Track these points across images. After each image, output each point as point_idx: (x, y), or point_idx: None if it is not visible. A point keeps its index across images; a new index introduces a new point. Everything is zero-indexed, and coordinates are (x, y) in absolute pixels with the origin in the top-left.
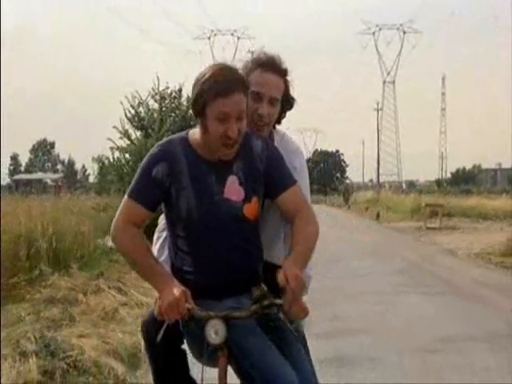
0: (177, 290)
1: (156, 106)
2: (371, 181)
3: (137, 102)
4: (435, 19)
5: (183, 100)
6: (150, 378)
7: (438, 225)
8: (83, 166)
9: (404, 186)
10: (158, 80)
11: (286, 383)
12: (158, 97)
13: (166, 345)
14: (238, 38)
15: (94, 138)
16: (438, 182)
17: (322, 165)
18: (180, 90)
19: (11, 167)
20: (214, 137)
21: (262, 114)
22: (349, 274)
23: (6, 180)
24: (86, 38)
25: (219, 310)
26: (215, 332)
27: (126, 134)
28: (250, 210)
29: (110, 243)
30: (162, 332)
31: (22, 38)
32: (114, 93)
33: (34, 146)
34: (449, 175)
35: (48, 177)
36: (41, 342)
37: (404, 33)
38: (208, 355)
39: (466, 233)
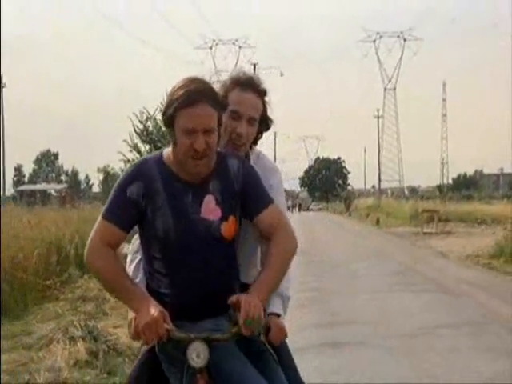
0: (155, 310)
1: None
2: (373, 187)
3: (145, 117)
4: (436, 26)
5: None
6: None
7: (435, 230)
8: (86, 176)
9: (406, 192)
10: (166, 95)
11: None
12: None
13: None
14: (240, 48)
15: (96, 148)
16: (440, 188)
17: (323, 172)
18: None
19: (15, 178)
20: (181, 150)
21: (240, 133)
22: (348, 275)
23: (10, 191)
24: (88, 49)
25: (198, 332)
26: (197, 355)
27: (135, 148)
28: (227, 229)
29: (125, 250)
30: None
31: (20, 48)
32: (115, 103)
33: (37, 156)
34: (450, 181)
35: (52, 187)
36: (85, 330)
37: (404, 40)
38: (188, 378)
39: (460, 237)
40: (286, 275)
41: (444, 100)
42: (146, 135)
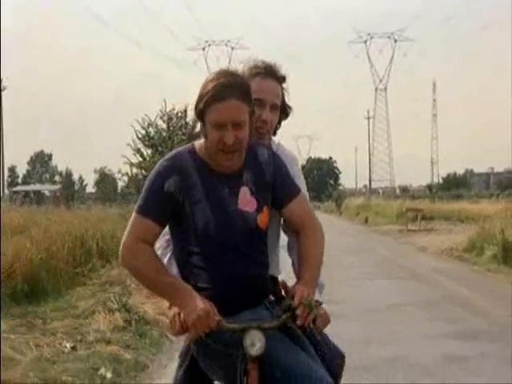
0: (203, 303)
1: (164, 125)
2: (365, 186)
3: (146, 123)
4: (426, 27)
5: (189, 119)
6: None
7: (418, 227)
8: (80, 177)
9: (398, 191)
10: (165, 102)
11: None
12: (165, 117)
13: None
14: (232, 49)
15: (90, 150)
16: (430, 187)
17: (315, 172)
18: (185, 111)
19: (9, 179)
20: (211, 143)
21: (265, 119)
22: (335, 267)
23: (4, 191)
24: (78, 49)
25: (244, 323)
26: (253, 343)
27: (138, 152)
28: (263, 220)
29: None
30: (191, 343)
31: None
32: (110, 105)
33: (31, 157)
34: (441, 180)
35: (46, 188)
36: (120, 303)
37: (395, 41)
38: (241, 369)
39: (440, 234)
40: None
41: (434, 100)
42: (148, 140)
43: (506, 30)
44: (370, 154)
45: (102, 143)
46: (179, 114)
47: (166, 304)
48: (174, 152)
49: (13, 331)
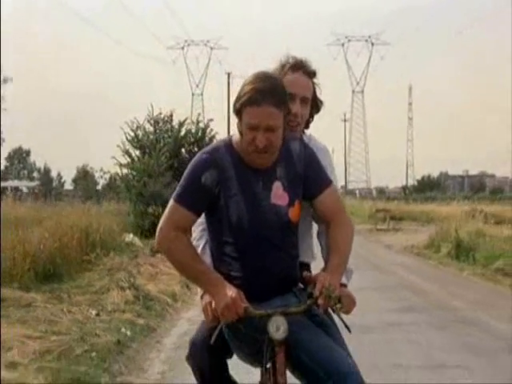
0: (231, 291)
1: (151, 129)
2: (343, 187)
3: (135, 126)
4: (403, 32)
5: (175, 124)
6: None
7: (386, 227)
8: (58, 174)
9: (374, 192)
10: (152, 107)
11: (349, 375)
12: (152, 121)
13: (214, 371)
14: (212, 49)
15: (68, 147)
16: (404, 189)
17: None
18: (171, 115)
19: None
20: (245, 142)
21: (296, 112)
22: None
23: None
24: (59, 46)
25: (270, 309)
26: (277, 328)
27: (127, 153)
28: (294, 213)
29: (127, 239)
30: (215, 334)
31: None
32: (88, 103)
33: (9, 153)
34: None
35: (24, 184)
36: (130, 283)
37: (372, 44)
38: (268, 353)
39: (406, 233)
40: None
41: (410, 104)
42: (136, 142)
43: (480, 33)
44: (345, 156)
45: (83, 141)
46: (165, 119)
47: (163, 285)
48: (212, 145)
49: (48, 302)
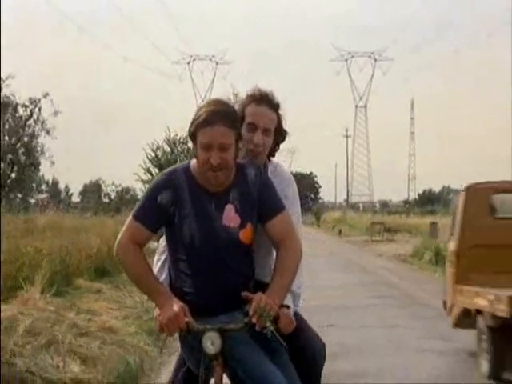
0: (176, 305)
1: (169, 149)
2: (346, 201)
3: (155, 147)
4: (405, 49)
5: (190, 145)
6: None
7: (380, 238)
8: (66, 186)
9: (378, 205)
10: (169, 130)
11: None
12: (169, 143)
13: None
14: (217, 63)
15: (76, 159)
16: (405, 203)
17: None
18: (187, 137)
19: None
20: (199, 163)
21: (257, 142)
22: (310, 265)
23: None
24: (68, 62)
25: (214, 324)
26: (211, 343)
27: (148, 171)
28: (246, 235)
29: (151, 246)
30: (164, 339)
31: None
32: (98, 118)
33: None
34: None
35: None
36: None
37: (375, 60)
38: (205, 365)
39: (398, 244)
40: (297, 275)
41: (412, 118)
42: (156, 161)
43: (478, 51)
44: (347, 171)
45: (95, 154)
46: (181, 140)
47: None
48: (171, 168)
49: (111, 289)
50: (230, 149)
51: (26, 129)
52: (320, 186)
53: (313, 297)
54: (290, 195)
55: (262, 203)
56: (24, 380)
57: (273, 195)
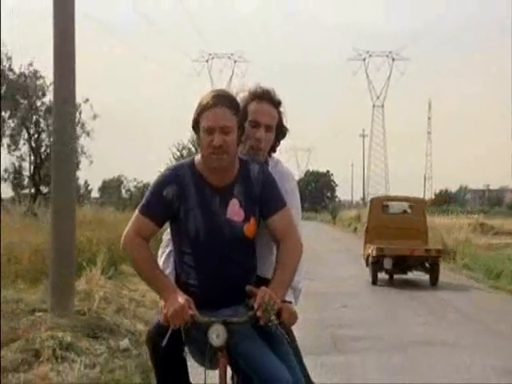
0: (181, 298)
1: (194, 149)
2: (362, 199)
3: (181, 146)
4: (423, 48)
5: None
6: None
7: None
8: (85, 182)
9: None
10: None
11: (281, 382)
12: (194, 143)
13: (169, 352)
14: (235, 62)
15: (96, 155)
16: None
17: (313, 184)
18: None
19: (15, 181)
20: (203, 147)
21: (259, 137)
22: (322, 259)
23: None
24: (85, 60)
25: (218, 317)
26: (217, 336)
27: None
28: (249, 229)
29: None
30: (167, 337)
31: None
32: (118, 116)
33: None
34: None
35: None
36: None
37: (393, 60)
38: (209, 358)
39: None
40: (298, 271)
41: (429, 118)
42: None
43: (495, 53)
44: (364, 170)
45: (112, 151)
46: None
47: None
48: (176, 163)
49: (131, 275)
50: (231, 132)
51: None
52: (336, 185)
53: (331, 285)
54: (290, 190)
55: (263, 199)
56: (112, 329)
57: (275, 192)
